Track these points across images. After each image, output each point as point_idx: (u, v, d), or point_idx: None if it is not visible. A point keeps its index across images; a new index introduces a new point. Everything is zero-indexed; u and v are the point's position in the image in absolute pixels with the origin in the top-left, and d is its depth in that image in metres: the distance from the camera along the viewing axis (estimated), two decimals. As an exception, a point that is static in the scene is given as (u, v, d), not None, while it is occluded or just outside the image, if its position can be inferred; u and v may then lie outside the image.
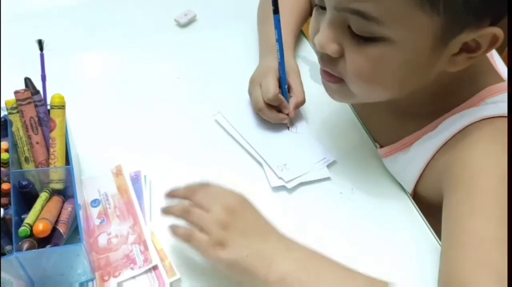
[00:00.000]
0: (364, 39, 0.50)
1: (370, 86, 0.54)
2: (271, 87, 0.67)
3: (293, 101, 0.69)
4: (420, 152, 0.59)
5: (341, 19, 0.50)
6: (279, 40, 0.68)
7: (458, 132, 0.55)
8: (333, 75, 0.56)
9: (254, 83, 0.70)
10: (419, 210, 0.63)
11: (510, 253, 0.46)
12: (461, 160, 0.53)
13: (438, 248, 0.59)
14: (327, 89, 0.59)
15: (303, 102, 0.70)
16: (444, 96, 0.57)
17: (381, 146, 0.67)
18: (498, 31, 0.48)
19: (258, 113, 0.70)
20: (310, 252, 0.52)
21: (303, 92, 0.70)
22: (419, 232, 0.61)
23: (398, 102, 0.58)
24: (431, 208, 0.61)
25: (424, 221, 0.62)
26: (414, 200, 0.64)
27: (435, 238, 0.60)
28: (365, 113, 0.72)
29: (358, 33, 0.50)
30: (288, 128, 0.71)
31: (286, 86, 0.70)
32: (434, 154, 0.58)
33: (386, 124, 0.67)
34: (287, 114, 0.69)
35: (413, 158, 0.60)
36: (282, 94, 0.69)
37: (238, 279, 0.52)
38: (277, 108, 0.69)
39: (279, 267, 0.50)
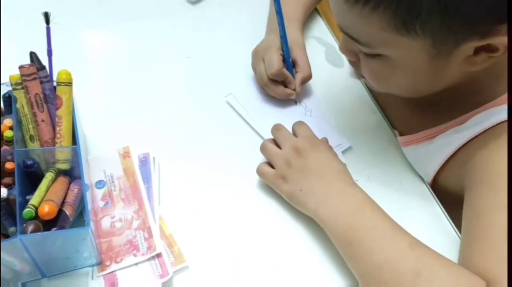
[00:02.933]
0: (366, 54, 0.52)
1: (384, 88, 0.58)
2: (275, 62, 0.66)
3: (299, 76, 0.68)
4: (445, 145, 0.58)
5: None
6: (279, 12, 0.65)
7: (488, 129, 0.53)
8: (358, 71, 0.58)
9: (257, 57, 0.69)
10: (437, 199, 0.61)
11: (510, 252, 0.45)
12: (488, 157, 0.52)
13: (456, 238, 0.57)
14: (365, 80, 0.61)
15: (309, 77, 0.69)
16: (473, 92, 0.55)
17: (401, 134, 0.64)
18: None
19: (264, 88, 0.69)
20: (362, 200, 0.54)
21: (309, 66, 0.69)
22: (437, 222, 0.59)
23: (423, 96, 0.57)
24: (449, 199, 0.60)
25: (443, 211, 0.60)
26: (433, 190, 0.61)
27: (453, 228, 0.58)
28: (386, 100, 0.70)
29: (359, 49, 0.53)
30: (296, 103, 0.70)
31: (290, 60, 0.68)
32: (460, 148, 0.56)
33: (408, 113, 0.65)
34: (294, 89, 0.68)
35: (436, 149, 0.59)
36: (287, 68, 0.67)
37: (297, 208, 0.58)
38: (283, 83, 0.68)
39: (326, 206, 0.54)
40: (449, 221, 0.59)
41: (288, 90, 0.68)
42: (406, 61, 0.50)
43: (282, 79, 0.67)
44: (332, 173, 0.57)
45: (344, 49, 0.56)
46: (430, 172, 0.60)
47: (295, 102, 0.70)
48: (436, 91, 0.55)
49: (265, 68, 0.67)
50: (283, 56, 0.67)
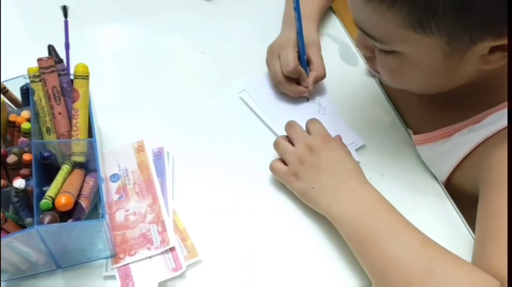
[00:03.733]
0: (381, 50, 0.52)
1: (398, 84, 0.57)
2: (291, 59, 0.66)
3: (312, 75, 0.68)
4: (460, 144, 0.57)
5: None
6: (297, 8, 0.66)
7: (504, 128, 0.53)
8: (373, 67, 0.59)
9: (273, 53, 0.69)
10: (451, 199, 0.60)
11: (510, 252, 0.45)
12: (502, 157, 0.51)
13: (469, 238, 0.57)
14: (379, 76, 0.61)
15: (323, 76, 0.69)
16: (490, 90, 0.55)
17: (415, 132, 0.64)
18: None
19: (277, 85, 0.69)
20: (374, 199, 0.54)
21: (323, 66, 0.69)
22: (451, 221, 0.59)
23: (438, 94, 0.57)
24: (463, 198, 0.59)
25: (456, 211, 0.60)
26: (446, 189, 0.61)
27: (467, 228, 0.58)
28: (400, 98, 0.69)
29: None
30: (308, 99, 0.70)
31: (305, 57, 0.68)
32: (476, 147, 0.56)
33: (423, 111, 0.64)
34: (306, 87, 0.68)
35: (452, 148, 0.58)
36: (301, 65, 0.67)
37: (309, 205, 0.58)
38: (296, 80, 0.68)
39: (339, 205, 0.54)
40: (462, 221, 0.59)
41: (301, 88, 0.68)
42: (421, 58, 0.50)
43: (296, 76, 0.67)
44: (345, 171, 0.56)
45: (360, 44, 0.56)
46: (444, 171, 0.60)
47: (306, 99, 0.70)
48: (451, 88, 0.55)
49: (280, 65, 0.67)
50: (298, 53, 0.67)
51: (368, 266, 0.51)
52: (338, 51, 0.76)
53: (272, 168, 0.60)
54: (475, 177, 0.55)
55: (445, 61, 0.50)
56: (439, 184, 0.62)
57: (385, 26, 0.48)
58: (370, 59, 0.57)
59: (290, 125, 0.62)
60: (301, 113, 0.68)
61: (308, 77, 0.68)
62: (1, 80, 0.58)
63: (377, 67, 0.56)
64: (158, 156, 0.62)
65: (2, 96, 0.58)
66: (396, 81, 0.56)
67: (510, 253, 0.45)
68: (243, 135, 0.66)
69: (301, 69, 0.67)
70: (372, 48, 0.55)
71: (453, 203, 0.60)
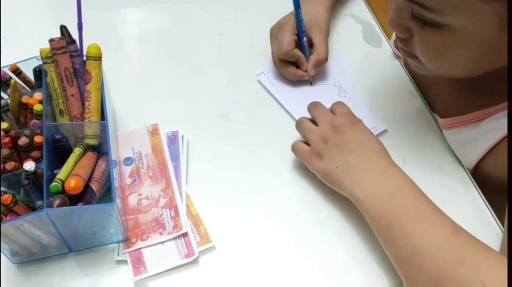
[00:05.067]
0: (427, 24, 0.47)
1: (440, 67, 0.52)
2: (285, 42, 0.63)
3: (313, 58, 0.65)
4: (492, 129, 0.54)
5: (406, 4, 0.48)
6: None
7: None
8: (407, 50, 0.54)
9: (272, 35, 0.67)
10: (478, 188, 0.57)
11: (510, 253, 0.43)
12: None
13: (497, 229, 0.54)
14: (408, 60, 0.57)
15: (324, 60, 0.66)
16: None
17: (442, 117, 0.61)
18: None
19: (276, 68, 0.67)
20: (403, 181, 0.51)
21: (326, 49, 0.65)
22: (477, 211, 0.56)
23: (471, 77, 0.54)
24: (492, 187, 0.57)
25: (483, 200, 0.57)
26: (473, 177, 0.58)
27: (494, 217, 0.55)
28: (426, 81, 0.66)
29: (420, 18, 0.48)
30: (311, 83, 0.67)
31: (304, 40, 0.65)
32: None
33: (452, 95, 0.61)
34: (306, 71, 0.65)
35: (482, 134, 0.55)
36: (301, 47, 0.64)
37: (331, 187, 0.55)
38: (296, 63, 0.66)
39: (364, 186, 0.51)
40: (489, 210, 0.56)
41: (299, 72, 0.65)
42: (474, 31, 0.46)
43: (292, 60, 0.65)
44: (371, 151, 0.54)
45: (395, 23, 0.51)
46: (472, 158, 0.57)
47: (310, 83, 0.67)
48: (493, 70, 0.51)
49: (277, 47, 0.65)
50: (298, 35, 0.65)
51: (394, 251, 0.48)
52: (361, 31, 0.73)
53: (294, 147, 0.58)
54: (505, 165, 0.52)
55: (501, 34, 0.45)
56: (466, 171, 0.59)
57: None
58: (404, 42, 0.52)
59: (314, 105, 0.60)
60: (320, 96, 0.65)
61: (309, 61, 0.65)
62: (15, 61, 0.58)
63: (414, 49, 0.51)
64: (173, 139, 0.61)
65: (15, 77, 0.57)
66: (437, 63, 0.52)
67: (510, 254, 0.43)
68: (260, 119, 0.64)
69: (298, 52, 0.64)
70: (409, 28, 0.50)
71: (480, 192, 0.57)
